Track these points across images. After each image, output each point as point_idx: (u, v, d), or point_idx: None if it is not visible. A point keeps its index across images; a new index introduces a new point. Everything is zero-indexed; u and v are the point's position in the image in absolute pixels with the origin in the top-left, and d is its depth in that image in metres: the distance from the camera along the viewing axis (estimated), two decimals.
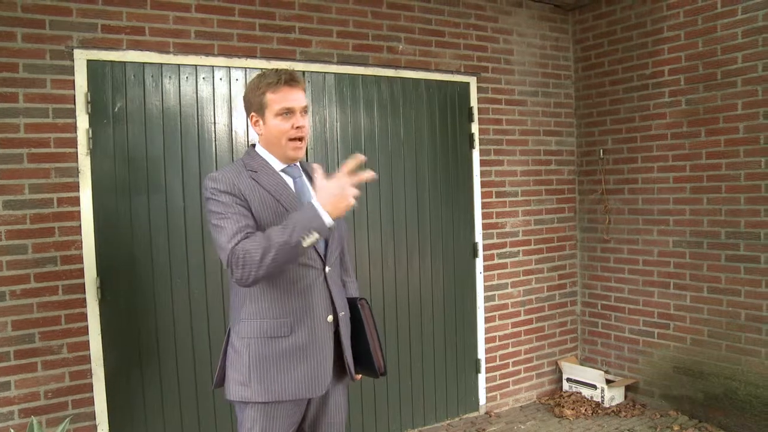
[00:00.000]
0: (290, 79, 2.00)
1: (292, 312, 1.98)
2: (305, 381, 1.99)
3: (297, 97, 2.00)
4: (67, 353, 3.01)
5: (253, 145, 2.11)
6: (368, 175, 1.87)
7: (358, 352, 2.16)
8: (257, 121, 2.05)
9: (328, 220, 1.81)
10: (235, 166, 2.05)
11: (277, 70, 2.03)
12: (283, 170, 2.07)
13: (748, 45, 3.68)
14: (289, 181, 2.07)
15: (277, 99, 1.98)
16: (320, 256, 2.04)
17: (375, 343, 2.15)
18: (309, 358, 2.00)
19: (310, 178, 2.15)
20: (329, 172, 1.89)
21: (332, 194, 1.82)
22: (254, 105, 2.04)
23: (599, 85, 4.59)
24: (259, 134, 2.08)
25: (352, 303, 2.18)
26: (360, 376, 2.24)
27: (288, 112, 1.99)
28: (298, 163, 2.14)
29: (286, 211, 1.96)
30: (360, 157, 1.89)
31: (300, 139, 2.02)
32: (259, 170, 2.02)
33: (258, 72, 2.21)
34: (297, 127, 2.00)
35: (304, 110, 2.03)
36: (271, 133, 2.02)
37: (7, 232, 2.89)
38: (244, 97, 2.10)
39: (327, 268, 2.06)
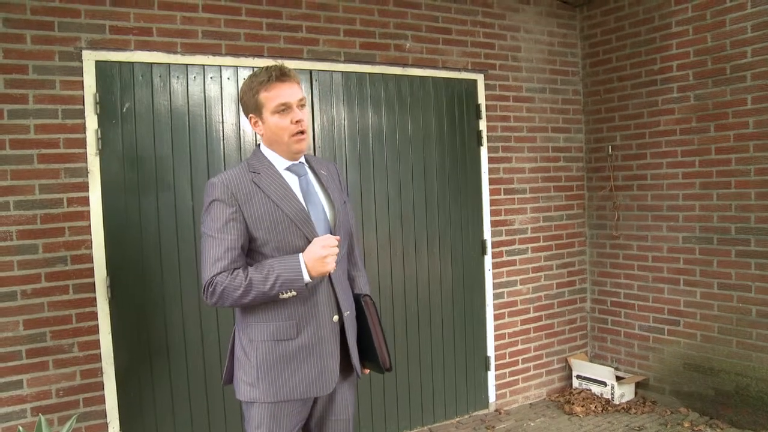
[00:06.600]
0: (281, 75, 1.97)
1: (297, 314, 1.98)
2: (313, 380, 2.00)
3: (291, 92, 1.98)
4: (78, 352, 3.04)
5: (259, 146, 2.11)
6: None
7: (364, 349, 2.17)
8: (256, 121, 2.03)
9: (307, 280, 1.90)
10: (239, 168, 2.03)
11: (267, 67, 2.00)
12: (288, 168, 2.05)
13: (757, 39, 3.65)
14: (293, 180, 2.05)
15: (271, 96, 1.96)
16: None
17: (380, 340, 2.15)
18: (316, 358, 2.00)
19: (317, 174, 2.14)
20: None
21: (317, 257, 1.89)
22: (250, 106, 2.02)
23: (607, 82, 4.57)
24: (261, 134, 2.06)
25: (357, 300, 2.18)
26: (368, 370, 2.25)
27: (285, 107, 1.97)
28: (303, 160, 2.12)
29: (285, 216, 1.95)
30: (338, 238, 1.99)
31: (302, 132, 2.00)
32: (262, 171, 2.00)
33: None
34: (296, 122, 1.98)
35: (301, 103, 2.01)
36: (271, 131, 2.00)
37: (18, 232, 2.92)
38: (240, 100, 2.08)
39: None
